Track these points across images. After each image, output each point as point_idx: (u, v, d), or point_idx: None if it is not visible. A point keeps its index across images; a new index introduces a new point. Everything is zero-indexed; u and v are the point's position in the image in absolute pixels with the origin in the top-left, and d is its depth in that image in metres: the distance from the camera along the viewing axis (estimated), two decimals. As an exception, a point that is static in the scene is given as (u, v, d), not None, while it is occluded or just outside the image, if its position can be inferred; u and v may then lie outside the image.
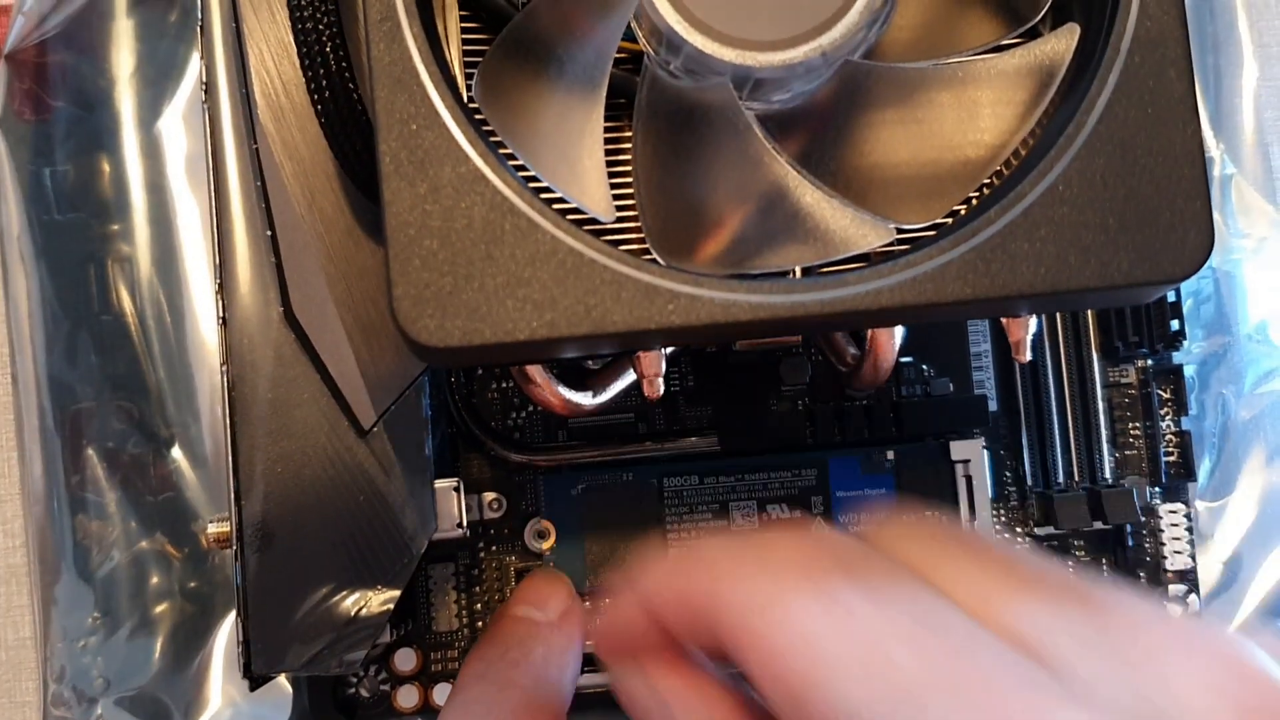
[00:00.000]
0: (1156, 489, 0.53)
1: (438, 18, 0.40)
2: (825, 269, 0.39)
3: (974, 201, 0.40)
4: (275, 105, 0.45)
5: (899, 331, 0.44)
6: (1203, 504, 0.55)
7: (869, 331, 0.44)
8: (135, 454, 0.53)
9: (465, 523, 0.47)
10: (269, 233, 0.45)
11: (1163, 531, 0.53)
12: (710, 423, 0.52)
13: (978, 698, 0.24)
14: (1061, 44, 0.38)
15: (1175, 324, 0.52)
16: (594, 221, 0.38)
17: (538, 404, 0.46)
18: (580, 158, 0.38)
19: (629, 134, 0.41)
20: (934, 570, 0.28)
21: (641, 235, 0.39)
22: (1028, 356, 0.42)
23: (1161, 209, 0.37)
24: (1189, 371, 0.54)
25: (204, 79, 0.45)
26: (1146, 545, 0.53)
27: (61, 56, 0.54)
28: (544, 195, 0.38)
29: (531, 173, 0.38)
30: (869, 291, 0.36)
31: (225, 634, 0.53)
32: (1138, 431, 0.53)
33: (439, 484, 0.46)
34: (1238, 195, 0.56)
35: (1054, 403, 0.53)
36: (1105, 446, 0.53)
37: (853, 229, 0.38)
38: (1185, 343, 0.53)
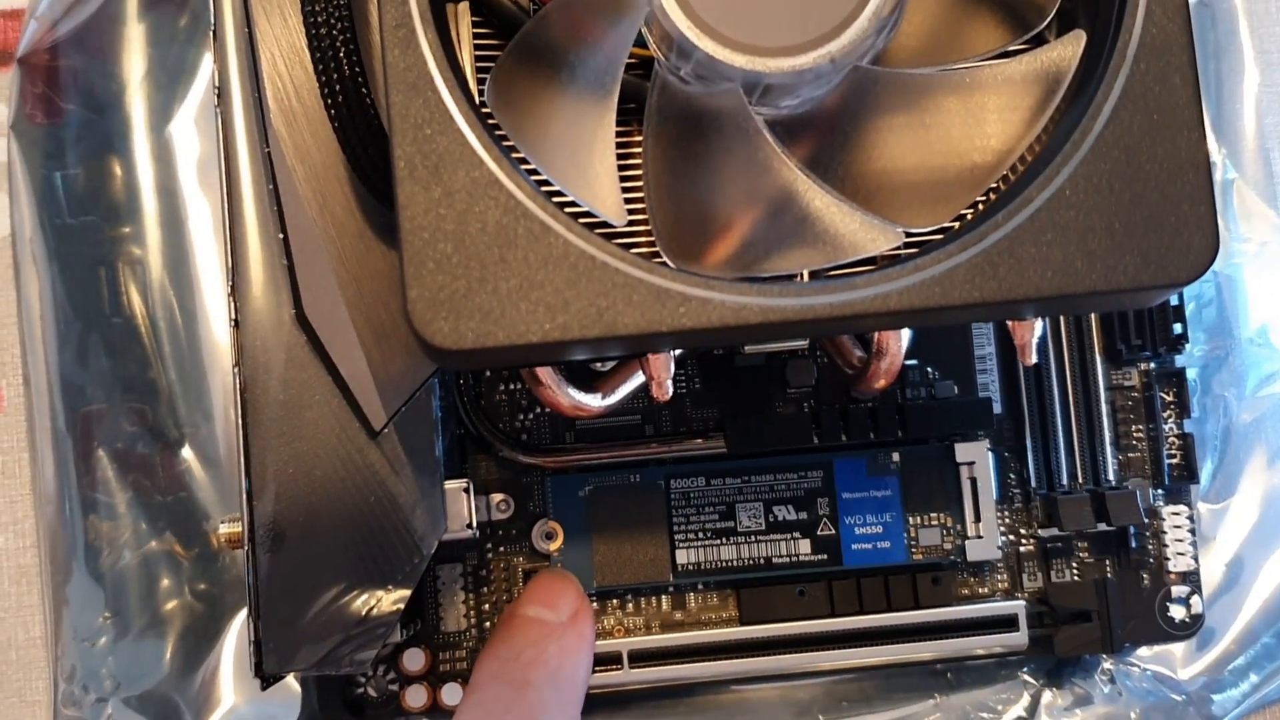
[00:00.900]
0: (1159, 491, 0.54)
1: (451, 23, 0.41)
2: (833, 272, 0.39)
3: (980, 206, 0.40)
4: (287, 109, 0.45)
5: (906, 334, 0.45)
6: (1205, 506, 0.55)
7: (877, 334, 0.44)
8: (145, 455, 0.53)
9: (475, 523, 0.47)
10: (281, 235, 0.45)
11: (1165, 533, 0.53)
12: (716, 424, 0.53)
13: None
14: (1068, 50, 0.39)
15: (1178, 327, 0.53)
16: (606, 225, 0.39)
17: (547, 406, 0.46)
18: (592, 162, 0.39)
19: (639, 139, 0.41)
20: None
21: (653, 239, 0.40)
22: (1034, 359, 0.42)
23: (1167, 213, 0.37)
24: (1191, 375, 0.55)
25: (217, 83, 0.45)
26: (1149, 547, 0.53)
27: (73, 60, 0.54)
28: (556, 199, 0.38)
29: (544, 177, 0.39)
30: (878, 295, 0.37)
31: (235, 634, 0.53)
32: (1140, 434, 0.54)
33: (449, 485, 0.46)
34: (1239, 200, 0.57)
35: (1058, 405, 0.53)
36: (1108, 449, 0.53)
37: (862, 233, 0.38)
38: (1187, 346, 0.53)
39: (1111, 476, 0.53)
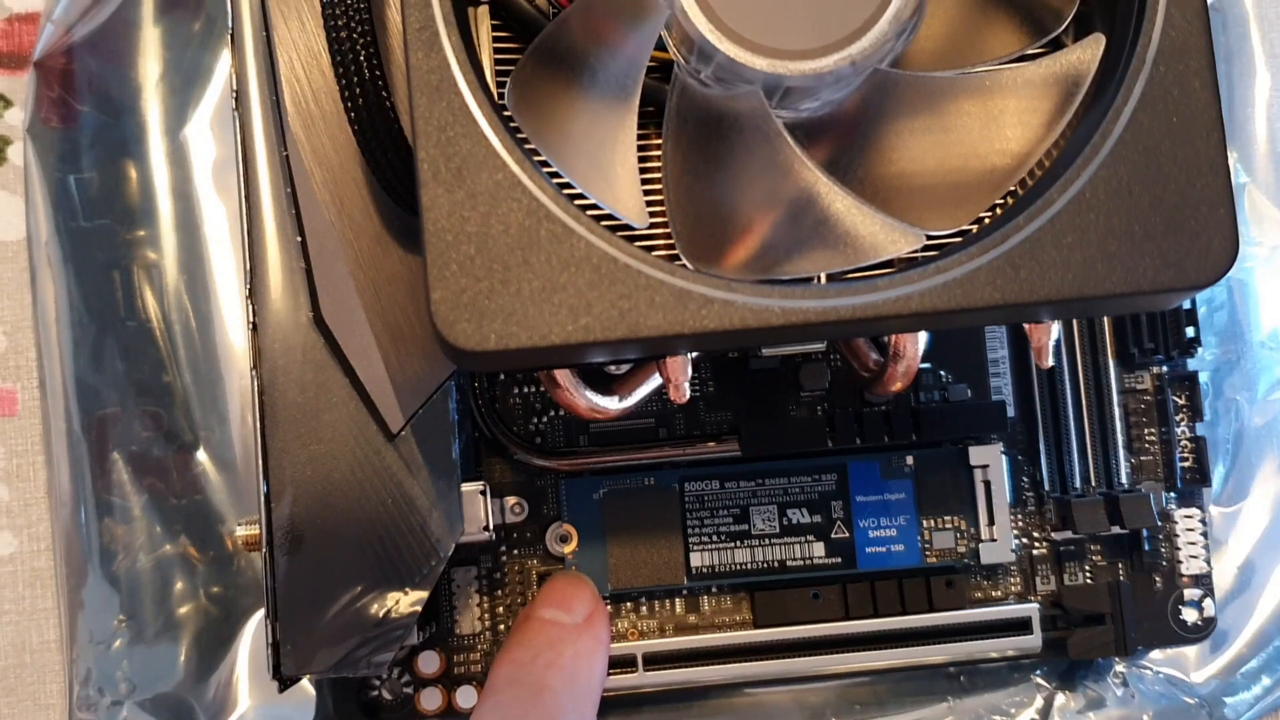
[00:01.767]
0: (1172, 494, 0.54)
1: (471, 26, 0.41)
2: (853, 274, 0.40)
3: (999, 210, 0.40)
4: (305, 112, 0.45)
5: (923, 337, 0.45)
6: (1217, 509, 0.56)
7: (893, 337, 0.45)
8: (160, 458, 0.54)
9: (491, 526, 0.47)
10: (299, 238, 0.45)
11: (1178, 536, 0.54)
12: (730, 427, 0.53)
13: None
14: (1087, 54, 0.39)
15: (1190, 331, 0.53)
16: (627, 227, 0.39)
17: (564, 408, 0.46)
18: (613, 164, 0.39)
19: (658, 141, 0.42)
20: None
21: (673, 241, 0.40)
22: (1050, 362, 0.43)
23: (1186, 216, 0.37)
24: (1203, 378, 0.55)
25: (235, 87, 0.46)
26: (1162, 550, 0.53)
27: (88, 64, 0.54)
28: (578, 201, 0.38)
29: (565, 179, 0.39)
30: (899, 297, 0.37)
31: (250, 636, 0.53)
32: (1153, 437, 0.54)
33: (465, 487, 0.46)
34: (1250, 204, 0.57)
35: (1071, 408, 0.53)
36: (1121, 452, 0.53)
37: (882, 235, 0.38)
38: (1199, 350, 0.53)
39: (1124, 480, 0.53)
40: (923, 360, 0.52)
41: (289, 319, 0.45)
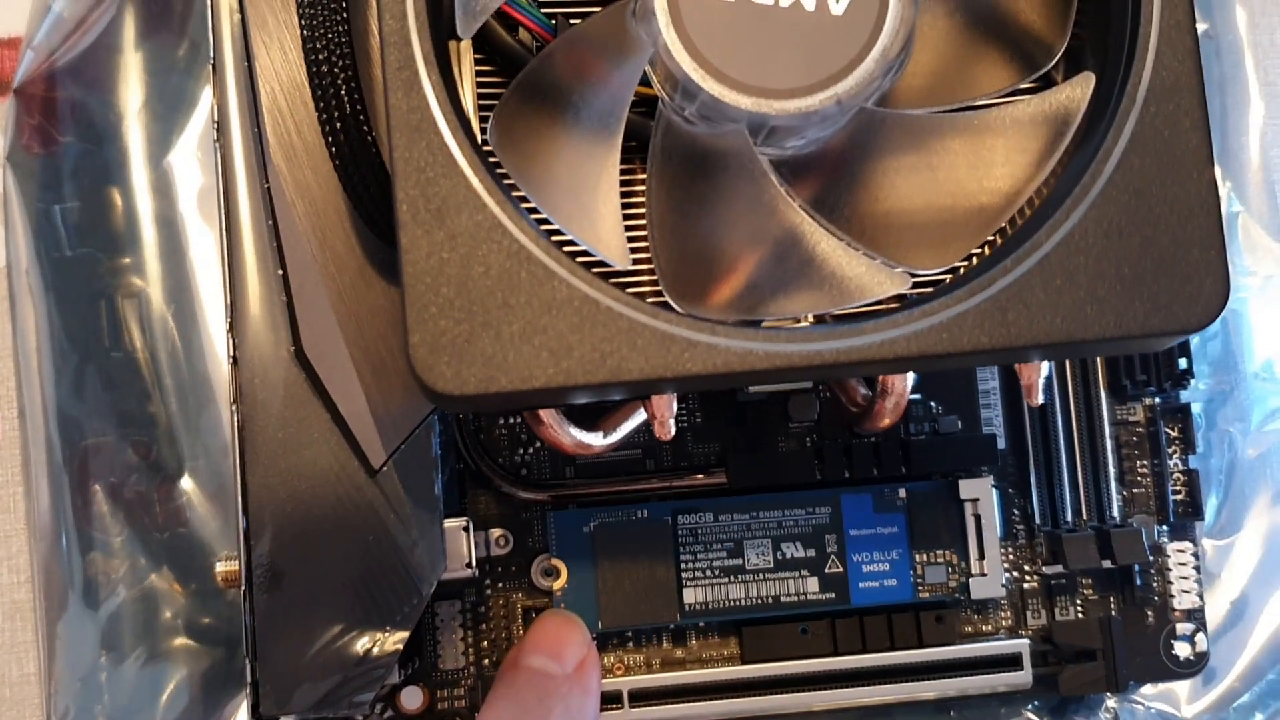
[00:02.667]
0: (1164, 527, 0.53)
1: (453, 61, 0.40)
2: (840, 313, 0.39)
3: (987, 249, 0.40)
4: (287, 144, 0.45)
5: (911, 374, 0.44)
6: (1210, 542, 0.55)
7: (881, 376, 0.44)
8: (142, 490, 0.53)
9: (474, 562, 0.47)
10: (280, 272, 0.45)
11: (1170, 570, 0.53)
12: (718, 459, 0.52)
13: None
14: (1077, 92, 0.38)
15: (1183, 362, 0.52)
16: (611, 268, 0.38)
17: (548, 444, 0.46)
18: (596, 204, 0.38)
19: (642, 176, 0.41)
20: None
21: (657, 281, 0.39)
22: (1040, 399, 0.42)
23: (1177, 259, 0.37)
24: (1196, 409, 0.54)
25: (216, 118, 0.45)
26: (1154, 584, 0.53)
27: (70, 91, 0.54)
28: (559, 239, 0.38)
29: (548, 218, 0.38)
30: (885, 340, 0.36)
31: (233, 672, 0.52)
32: (1145, 470, 0.53)
33: (448, 523, 0.46)
34: (1244, 233, 0.57)
35: (1062, 441, 0.53)
36: (1113, 485, 0.53)
37: (868, 277, 0.38)
38: (1193, 381, 0.53)
39: (1116, 513, 0.53)
40: (912, 391, 0.51)
41: (270, 353, 0.45)
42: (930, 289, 0.39)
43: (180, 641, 0.53)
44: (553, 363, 0.36)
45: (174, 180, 0.54)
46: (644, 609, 0.50)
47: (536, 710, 0.43)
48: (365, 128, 0.42)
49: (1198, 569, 0.53)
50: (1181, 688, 0.54)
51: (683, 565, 0.51)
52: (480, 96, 0.41)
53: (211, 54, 0.45)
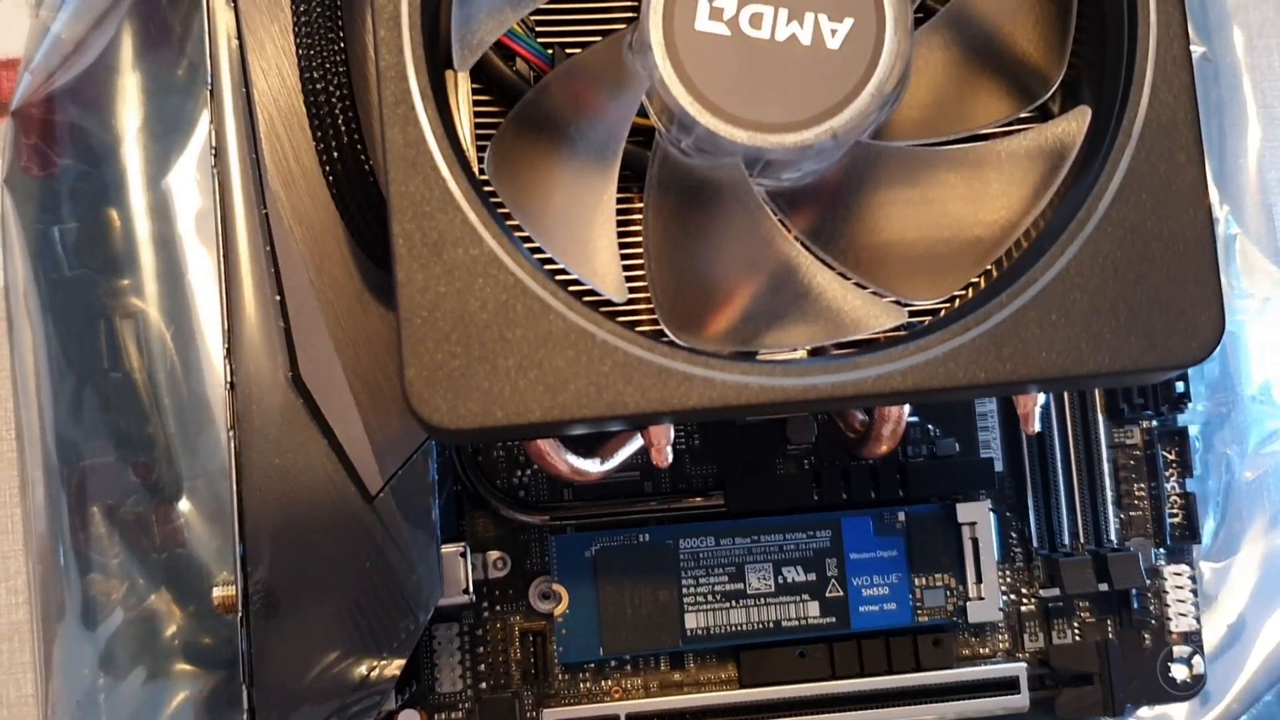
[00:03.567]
0: (1161, 550, 0.53)
1: (450, 91, 0.40)
2: (836, 347, 0.39)
3: (983, 282, 0.40)
4: (285, 170, 0.45)
5: (907, 406, 0.44)
6: (1207, 565, 0.55)
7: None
8: (141, 511, 0.53)
9: (472, 588, 0.47)
10: (278, 297, 0.45)
11: (1167, 593, 0.53)
12: (716, 482, 0.52)
13: None
14: (1073, 126, 0.38)
15: (1180, 386, 0.52)
16: (607, 300, 0.38)
17: (545, 470, 0.46)
18: (592, 237, 0.38)
19: (638, 205, 0.41)
20: None
21: (654, 313, 0.39)
22: (1036, 428, 0.42)
23: (1172, 294, 0.37)
24: (1193, 431, 0.54)
25: (214, 143, 0.45)
26: (1151, 607, 0.53)
27: (68, 113, 0.54)
28: (555, 271, 0.38)
29: (544, 251, 0.38)
30: (880, 375, 0.37)
31: (232, 694, 0.52)
32: (1142, 493, 0.53)
33: (446, 549, 0.46)
34: (1242, 256, 0.57)
35: (1059, 464, 0.53)
36: (1110, 508, 0.53)
37: (864, 310, 0.38)
38: (1190, 404, 0.53)
39: (1113, 536, 0.53)
40: (910, 414, 0.51)
41: (268, 379, 0.45)
42: (925, 320, 0.39)
43: (179, 663, 0.53)
44: (549, 396, 0.36)
45: (172, 201, 0.54)
46: (646, 635, 0.50)
47: None
48: (362, 156, 0.42)
49: (1195, 592, 0.53)
50: (1178, 710, 0.54)
51: (684, 590, 0.51)
52: (478, 125, 0.41)
53: (209, 79, 0.45)
